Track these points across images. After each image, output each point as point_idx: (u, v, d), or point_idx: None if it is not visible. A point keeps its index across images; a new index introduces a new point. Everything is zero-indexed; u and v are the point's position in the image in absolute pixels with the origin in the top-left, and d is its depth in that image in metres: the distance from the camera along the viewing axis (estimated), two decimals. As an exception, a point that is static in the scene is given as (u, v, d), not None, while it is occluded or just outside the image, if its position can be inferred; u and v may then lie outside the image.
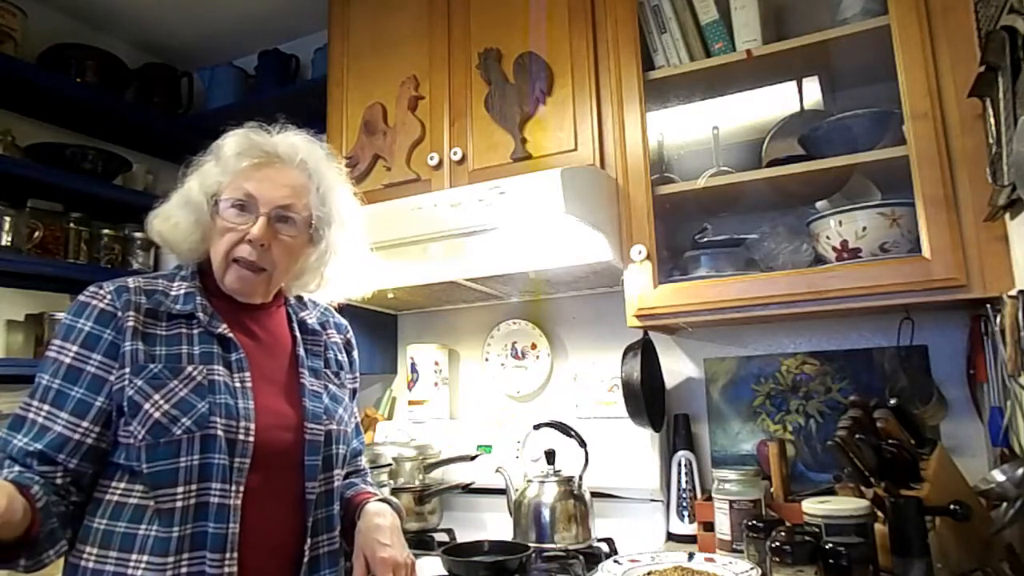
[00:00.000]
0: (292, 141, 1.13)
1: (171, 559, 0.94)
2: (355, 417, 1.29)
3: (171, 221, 1.11)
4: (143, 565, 0.93)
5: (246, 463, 1.00)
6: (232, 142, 1.11)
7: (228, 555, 0.96)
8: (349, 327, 1.32)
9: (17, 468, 0.94)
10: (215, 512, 0.96)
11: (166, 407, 0.97)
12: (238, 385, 1.03)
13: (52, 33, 2.35)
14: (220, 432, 0.98)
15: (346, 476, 1.25)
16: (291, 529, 1.06)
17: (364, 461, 1.33)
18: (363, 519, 1.13)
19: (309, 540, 1.06)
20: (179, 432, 0.96)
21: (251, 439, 1.01)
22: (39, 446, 0.95)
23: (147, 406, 0.97)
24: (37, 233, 2.15)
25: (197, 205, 1.10)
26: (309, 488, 1.07)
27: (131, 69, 2.53)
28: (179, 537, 0.94)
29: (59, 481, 0.97)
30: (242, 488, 0.99)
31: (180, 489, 0.96)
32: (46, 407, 0.98)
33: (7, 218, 2.07)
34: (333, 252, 1.17)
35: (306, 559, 1.05)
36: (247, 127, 1.15)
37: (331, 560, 1.11)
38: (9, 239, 2.07)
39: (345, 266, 1.21)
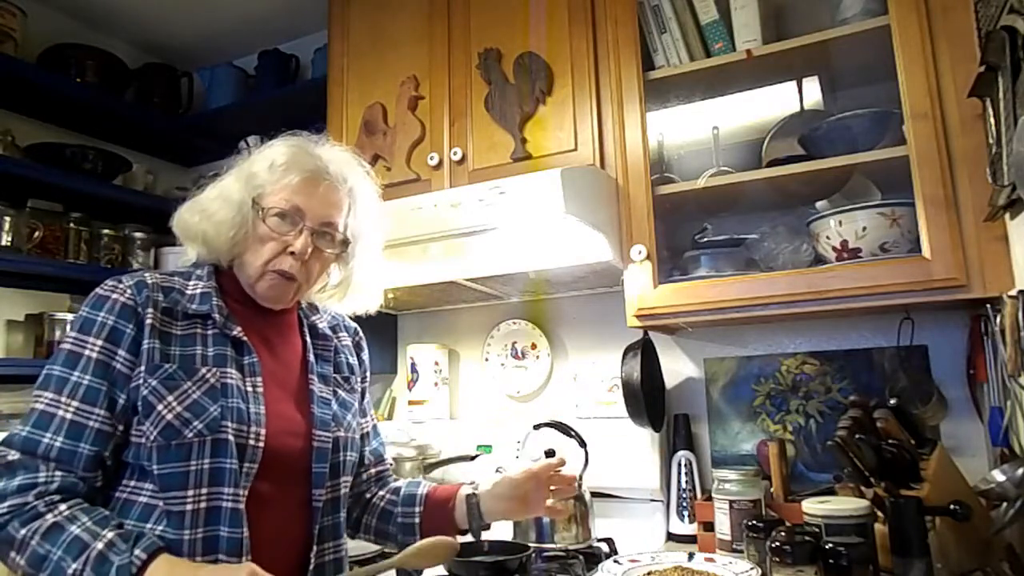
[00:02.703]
0: (341, 160, 1.14)
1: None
2: (373, 418, 1.31)
3: (213, 217, 1.09)
4: None
5: (254, 468, 0.99)
6: (286, 152, 1.10)
7: (244, 559, 0.95)
8: (359, 329, 1.32)
9: (59, 475, 0.92)
10: (228, 516, 0.96)
11: (179, 409, 0.96)
12: (250, 389, 1.03)
13: (52, 33, 2.35)
14: (231, 437, 0.97)
15: (378, 477, 1.28)
16: (297, 536, 1.06)
17: (389, 459, 1.35)
18: (497, 492, 1.19)
19: (315, 547, 1.06)
20: (191, 435, 0.96)
21: (261, 444, 1.00)
22: (88, 447, 0.94)
23: (160, 407, 0.96)
24: (37, 233, 2.15)
25: (239, 204, 1.08)
26: (316, 495, 1.07)
27: (131, 69, 2.53)
28: (191, 540, 0.94)
29: (99, 484, 0.97)
30: (246, 492, 0.98)
31: (190, 492, 0.95)
32: (76, 403, 0.95)
33: (7, 218, 2.07)
34: (355, 267, 1.19)
35: (311, 566, 1.05)
36: (298, 136, 1.14)
37: (336, 568, 1.10)
38: (9, 239, 2.07)
39: (363, 281, 1.23)
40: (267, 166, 1.10)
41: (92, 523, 0.89)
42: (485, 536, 1.28)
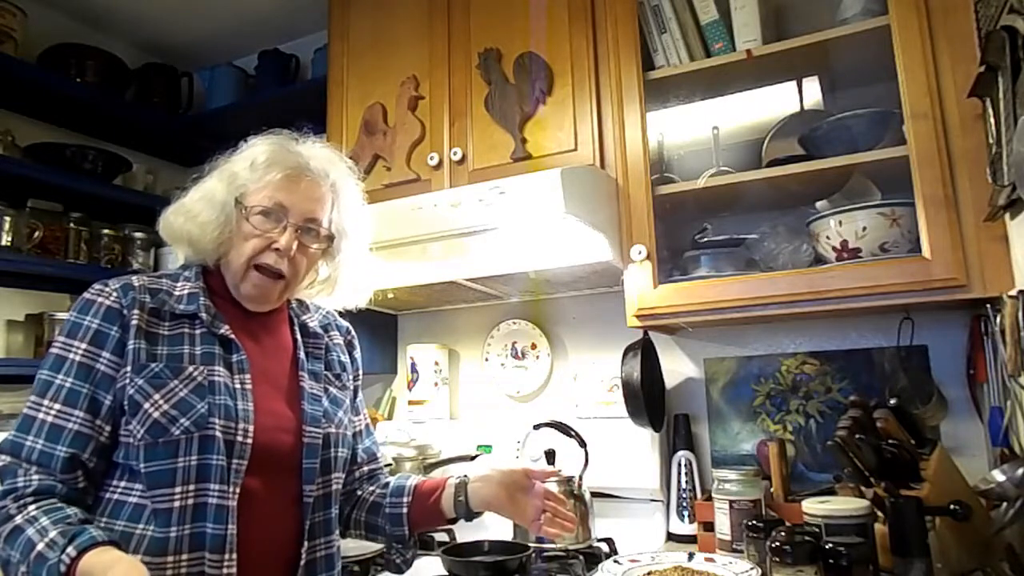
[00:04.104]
0: (322, 156, 1.15)
1: (170, 559, 0.93)
2: (366, 417, 1.31)
3: (197, 218, 1.10)
4: None
5: (243, 464, 1.00)
6: (266, 150, 1.11)
7: (227, 556, 0.96)
8: (351, 328, 1.33)
9: (36, 477, 0.93)
10: (214, 513, 0.96)
11: (165, 407, 0.97)
12: (238, 387, 1.03)
13: (52, 33, 2.35)
14: (218, 433, 0.98)
15: (370, 474, 1.28)
16: (288, 532, 1.06)
17: (385, 458, 1.34)
18: (488, 476, 1.18)
19: (306, 543, 1.06)
20: (178, 432, 0.96)
21: (249, 441, 1.01)
22: (64, 449, 0.95)
23: (147, 405, 0.97)
24: (37, 233, 2.15)
25: (222, 204, 1.09)
26: (307, 491, 1.07)
27: (131, 69, 2.53)
28: (177, 537, 0.94)
29: (81, 485, 0.97)
30: (238, 489, 0.99)
31: (178, 489, 0.95)
32: (57, 406, 0.97)
33: (7, 218, 2.07)
34: (341, 263, 1.20)
35: (303, 562, 1.05)
36: (278, 135, 1.15)
37: (328, 564, 1.11)
38: (9, 239, 2.08)
39: (351, 276, 1.23)
40: (248, 165, 1.10)
41: (48, 523, 0.89)
42: (485, 536, 1.28)
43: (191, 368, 1.01)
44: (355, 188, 1.20)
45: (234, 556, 0.96)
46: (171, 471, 0.96)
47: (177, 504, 0.95)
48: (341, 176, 1.16)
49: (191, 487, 0.96)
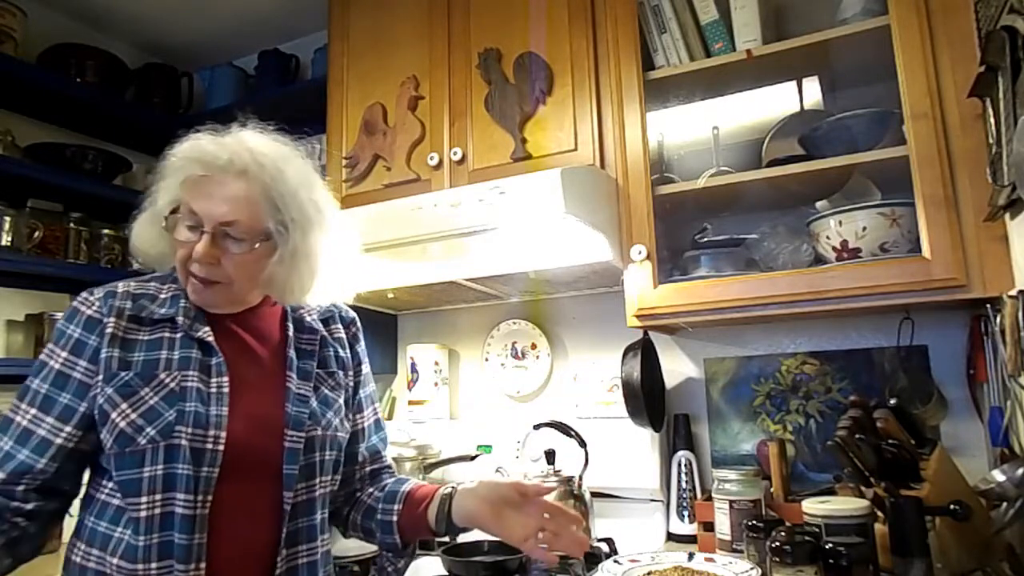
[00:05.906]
0: (240, 148, 1.05)
1: (140, 566, 0.93)
2: (375, 413, 1.26)
3: (143, 234, 1.12)
4: (114, 568, 0.94)
5: (215, 472, 0.97)
6: (182, 153, 1.08)
7: (195, 565, 0.94)
8: (356, 319, 1.27)
9: None
10: (180, 523, 0.94)
11: (132, 416, 0.96)
12: (214, 391, 1.01)
13: (52, 33, 2.35)
14: (185, 442, 0.96)
15: (372, 475, 1.23)
16: (266, 539, 1.02)
17: (389, 458, 1.28)
18: (474, 489, 1.10)
19: (284, 551, 1.02)
20: (144, 442, 0.96)
21: (220, 448, 0.98)
22: (27, 453, 0.97)
23: (114, 415, 0.96)
24: (37, 233, 2.15)
25: (158, 218, 1.08)
26: (286, 497, 1.03)
27: (131, 69, 2.53)
28: (146, 546, 0.94)
29: (39, 485, 0.98)
30: (210, 498, 0.96)
31: (144, 499, 0.95)
32: (32, 411, 0.99)
33: (7, 218, 2.07)
34: (302, 256, 1.08)
35: (279, 571, 1.01)
36: (203, 132, 1.11)
37: (310, 570, 1.06)
38: (9, 239, 2.08)
39: (324, 268, 1.12)
40: (169, 173, 1.09)
41: None
42: (485, 536, 1.26)
43: (164, 375, 0.99)
44: (301, 175, 1.09)
45: (203, 565, 0.94)
46: (138, 480, 0.95)
47: (144, 514, 0.94)
48: (271, 165, 1.05)
49: (157, 496, 0.95)
